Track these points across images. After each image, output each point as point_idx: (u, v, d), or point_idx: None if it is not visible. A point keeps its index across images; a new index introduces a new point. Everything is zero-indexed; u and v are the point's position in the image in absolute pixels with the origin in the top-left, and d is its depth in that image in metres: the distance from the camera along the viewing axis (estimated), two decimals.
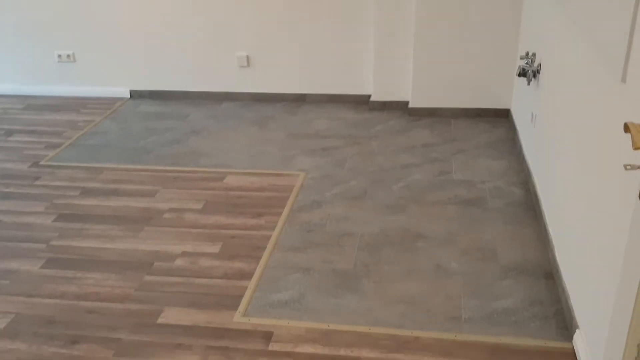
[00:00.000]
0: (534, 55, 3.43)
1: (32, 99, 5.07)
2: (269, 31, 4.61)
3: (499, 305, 2.47)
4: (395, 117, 4.45)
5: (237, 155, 3.92)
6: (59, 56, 4.97)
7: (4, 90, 5.19)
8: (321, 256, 2.83)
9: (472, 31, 4.15)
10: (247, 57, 4.72)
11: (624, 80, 1.81)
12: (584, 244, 2.20)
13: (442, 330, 2.35)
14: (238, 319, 2.45)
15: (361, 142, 4.05)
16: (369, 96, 4.64)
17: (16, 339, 2.38)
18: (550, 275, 2.64)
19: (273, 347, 2.29)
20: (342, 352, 2.26)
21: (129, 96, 5.03)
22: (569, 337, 2.28)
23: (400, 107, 4.56)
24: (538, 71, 3.26)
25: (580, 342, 2.16)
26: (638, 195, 1.50)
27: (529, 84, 3.41)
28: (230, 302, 2.55)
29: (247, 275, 2.71)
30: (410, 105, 4.44)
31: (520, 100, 3.90)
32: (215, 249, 2.91)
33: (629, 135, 1.39)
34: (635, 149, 1.32)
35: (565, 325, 2.34)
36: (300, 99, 4.80)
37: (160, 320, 2.46)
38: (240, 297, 2.58)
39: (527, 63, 3.43)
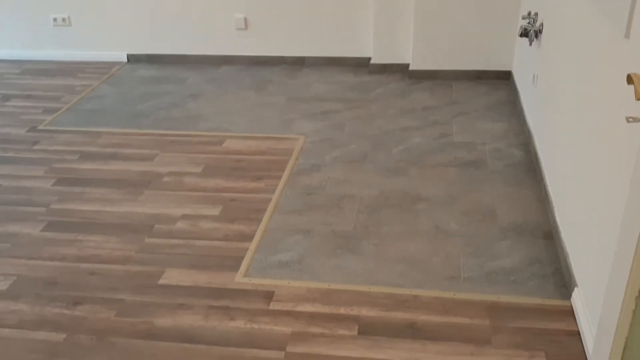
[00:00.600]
0: (536, 14, 3.37)
1: (29, 64, 5.02)
2: None
3: (498, 265, 2.48)
4: (395, 80, 4.41)
5: (236, 118, 3.89)
6: (55, 19, 4.90)
7: (0, 55, 5.14)
8: (321, 218, 2.84)
9: None
10: (245, 19, 4.65)
11: (627, 36, 1.79)
12: (584, 203, 2.20)
13: (441, 289, 2.36)
14: (239, 279, 2.47)
15: (361, 106, 4.02)
16: (369, 59, 4.59)
17: (19, 300, 2.40)
18: (549, 235, 2.65)
19: (274, 306, 2.31)
20: (342, 310, 2.28)
21: (126, 60, 4.98)
22: (567, 296, 2.30)
23: (400, 70, 4.51)
24: (540, 31, 3.21)
25: (578, 299, 2.18)
26: None
27: (530, 44, 3.37)
28: (231, 263, 2.56)
29: (247, 237, 2.72)
30: (410, 68, 4.40)
31: (522, 62, 3.86)
32: (215, 211, 2.92)
33: (631, 88, 1.37)
34: (638, 99, 1.30)
35: (564, 283, 2.36)
36: (299, 62, 4.75)
37: (161, 281, 2.47)
38: (241, 258, 2.59)
39: (529, 23, 3.39)
